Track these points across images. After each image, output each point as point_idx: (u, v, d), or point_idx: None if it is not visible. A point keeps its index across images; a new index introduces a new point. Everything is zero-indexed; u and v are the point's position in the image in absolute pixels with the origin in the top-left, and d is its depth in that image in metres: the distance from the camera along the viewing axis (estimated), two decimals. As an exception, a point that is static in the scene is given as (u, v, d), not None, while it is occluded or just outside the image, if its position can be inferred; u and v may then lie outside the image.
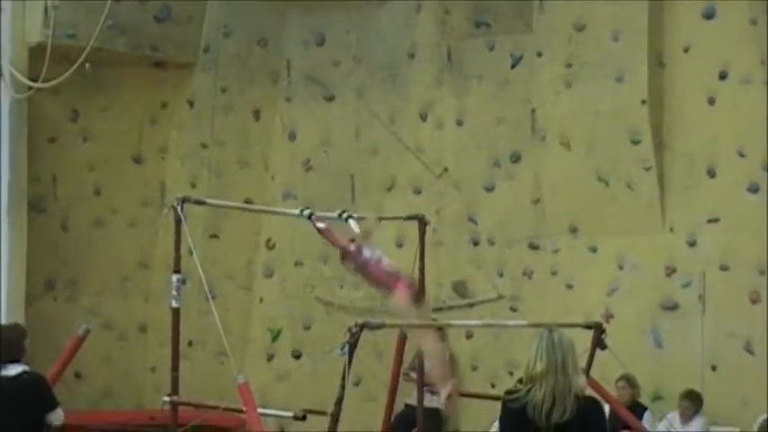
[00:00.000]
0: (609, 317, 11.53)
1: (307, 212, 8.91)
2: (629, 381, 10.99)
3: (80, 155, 13.36)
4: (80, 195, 13.36)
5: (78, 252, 13.35)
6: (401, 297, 8.26)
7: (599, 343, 8.85)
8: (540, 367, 5.52)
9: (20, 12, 12.47)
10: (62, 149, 13.28)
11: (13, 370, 7.76)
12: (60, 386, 9.10)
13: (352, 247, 8.41)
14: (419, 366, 10.19)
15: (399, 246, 12.77)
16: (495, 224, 12.61)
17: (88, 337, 9.17)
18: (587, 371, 8.88)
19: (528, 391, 5.55)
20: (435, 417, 11.97)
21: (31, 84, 12.03)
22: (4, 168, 12.44)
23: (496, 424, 5.90)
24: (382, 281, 8.38)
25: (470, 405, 11.91)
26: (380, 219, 12.43)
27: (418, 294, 8.47)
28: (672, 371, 11.40)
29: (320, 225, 8.68)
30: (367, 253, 8.40)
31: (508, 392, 5.64)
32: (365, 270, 8.41)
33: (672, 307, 11.55)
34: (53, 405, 7.87)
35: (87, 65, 11.40)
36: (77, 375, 12.83)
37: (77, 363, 10.52)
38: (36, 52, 12.20)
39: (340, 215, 8.85)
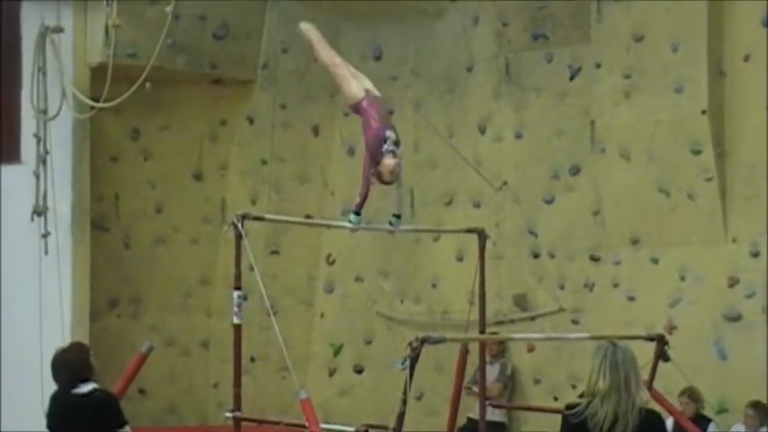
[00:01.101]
0: (671, 328, 11.44)
1: (353, 218, 8.99)
2: (691, 396, 10.90)
3: (141, 173, 13.48)
4: (142, 213, 13.48)
5: (141, 269, 13.46)
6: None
7: (662, 355, 8.78)
8: (602, 384, 5.45)
9: (81, 32, 12.62)
10: (124, 168, 13.41)
11: (85, 388, 7.84)
12: (125, 403, 9.14)
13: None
14: (481, 380, 10.17)
15: (459, 260, 12.78)
16: (555, 237, 12.56)
17: (152, 354, 9.24)
18: (650, 383, 8.82)
19: (588, 403, 5.51)
20: (497, 430, 11.95)
21: (93, 104, 12.16)
22: (68, 188, 12.57)
23: None
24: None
25: (534, 418, 11.87)
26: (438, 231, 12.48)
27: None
28: (736, 383, 11.29)
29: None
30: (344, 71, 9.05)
31: (568, 407, 5.59)
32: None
33: (735, 318, 11.44)
34: (122, 423, 7.93)
35: (148, 84, 11.51)
36: (141, 392, 12.93)
37: (141, 379, 10.60)
38: (97, 72, 12.33)
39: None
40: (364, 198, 8.86)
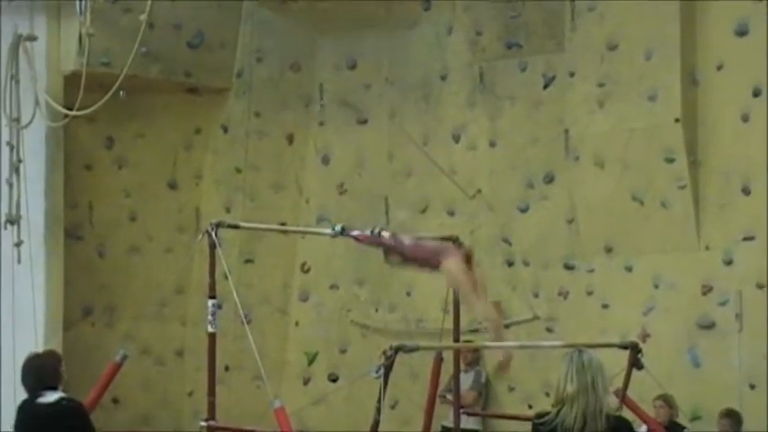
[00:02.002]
0: (645, 336, 11.49)
1: (338, 227, 8.91)
2: (666, 400, 10.93)
3: (116, 181, 13.45)
4: (116, 222, 13.45)
5: (115, 278, 13.43)
6: (453, 260, 8.26)
7: (635, 363, 8.80)
8: (570, 389, 5.52)
9: (55, 40, 12.59)
10: (98, 176, 13.37)
11: (51, 397, 7.78)
12: (99, 412, 9.14)
13: (391, 240, 8.43)
14: (455, 388, 10.18)
15: (434, 267, 12.77)
16: (529, 245, 12.59)
17: (126, 363, 9.21)
18: (624, 391, 8.85)
19: (558, 412, 5.54)
20: (472, 438, 11.96)
21: (67, 112, 12.12)
22: (41, 196, 12.53)
23: None
24: (428, 256, 8.41)
25: (507, 427, 11.89)
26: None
27: (468, 258, 8.39)
28: (710, 390, 11.34)
29: (355, 233, 8.69)
30: (405, 239, 8.47)
31: (538, 416, 5.63)
32: (411, 253, 8.45)
33: (709, 326, 11.49)
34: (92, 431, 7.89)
35: (122, 92, 11.47)
36: (115, 401, 12.89)
37: (115, 388, 10.57)
38: (71, 80, 12.30)
39: (372, 231, 8.83)
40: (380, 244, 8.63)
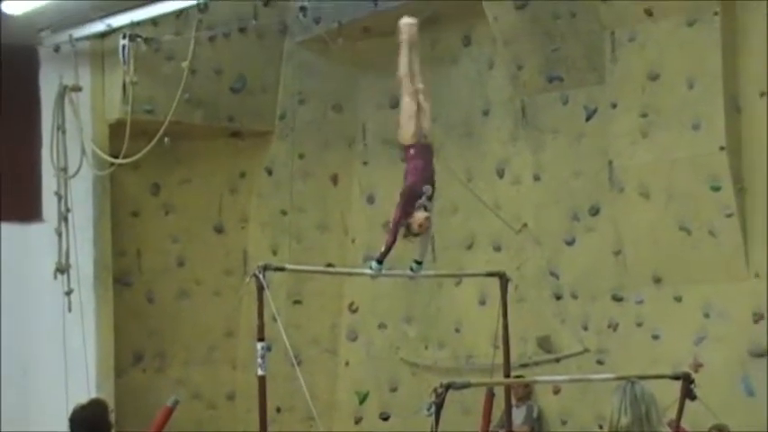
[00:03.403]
0: (697, 366, 11.39)
1: (374, 265, 8.95)
2: (720, 430, 10.83)
3: (163, 227, 13.54)
4: (164, 267, 13.53)
5: (165, 323, 13.50)
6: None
7: (688, 393, 8.73)
8: (625, 420, 5.49)
9: (99, 90, 12.73)
10: (145, 223, 13.47)
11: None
12: (151, 458, 9.18)
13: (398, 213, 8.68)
14: (507, 423, 10.14)
15: (482, 303, 12.77)
16: (577, 277, 12.55)
17: (178, 408, 9.24)
18: (678, 422, 8.78)
19: (613, 445, 5.52)
20: (526, 474, 11.90)
21: (113, 160, 12.25)
22: (90, 244, 12.64)
23: None
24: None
25: (562, 461, 11.82)
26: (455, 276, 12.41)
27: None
28: (764, 419, 11.22)
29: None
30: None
31: (592, 449, 5.61)
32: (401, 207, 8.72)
33: (761, 354, 11.38)
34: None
35: (166, 139, 11.60)
36: (169, 446, 12.92)
37: (168, 433, 10.60)
38: (116, 129, 12.43)
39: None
40: (389, 248, 8.82)
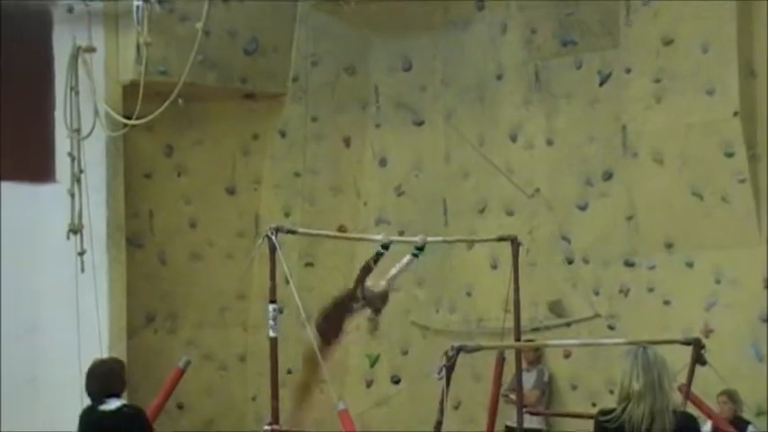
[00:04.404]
0: (708, 332, 11.41)
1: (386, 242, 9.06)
2: (730, 396, 10.85)
3: (175, 189, 13.55)
4: (177, 229, 13.55)
5: (177, 285, 13.53)
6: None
7: (699, 359, 8.76)
8: (637, 386, 5.49)
9: (113, 51, 12.71)
10: (158, 184, 13.48)
11: (113, 404, 7.86)
12: (164, 417, 9.22)
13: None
14: (518, 387, 10.17)
15: (494, 267, 12.78)
16: (589, 242, 12.54)
17: (189, 369, 9.28)
18: (688, 387, 8.80)
19: (624, 409, 5.52)
20: (536, 438, 11.93)
21: (126, 121, 12.24)
22: (103, 205, 12.65)
23: None
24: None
25: (571, 425, 11.85)
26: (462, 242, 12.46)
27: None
28: (775, 385, 11.24)
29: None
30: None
31: (602, 413, 5.61)
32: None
33: (772, 319, 11.39)
34: (154, 438, 7.96)
35: (180, 100, 11.58)
36: (180, 406, 12.99)
37: (179, 394, 10.66)
38: (129, 90, 12.41)
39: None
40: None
